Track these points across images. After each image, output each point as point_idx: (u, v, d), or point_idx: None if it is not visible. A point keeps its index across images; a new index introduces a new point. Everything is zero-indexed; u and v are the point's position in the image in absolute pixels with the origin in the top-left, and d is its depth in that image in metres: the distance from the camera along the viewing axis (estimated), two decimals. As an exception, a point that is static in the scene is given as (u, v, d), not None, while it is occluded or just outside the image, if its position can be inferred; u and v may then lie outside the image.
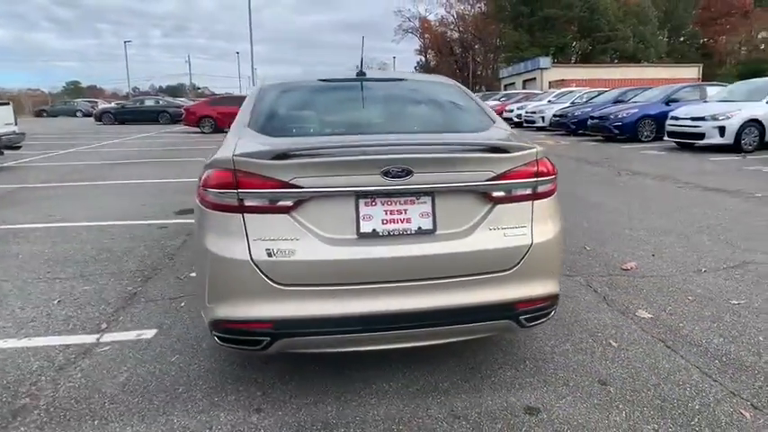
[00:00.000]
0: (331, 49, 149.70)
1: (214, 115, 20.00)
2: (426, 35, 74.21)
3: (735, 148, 9.84)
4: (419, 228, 2.08)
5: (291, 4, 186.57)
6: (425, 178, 2.03)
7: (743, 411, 2.18)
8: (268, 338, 2.04)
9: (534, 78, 43.13)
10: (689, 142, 10.54)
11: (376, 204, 2.05)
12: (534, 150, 2.16)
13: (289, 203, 2.00)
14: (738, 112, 9.71)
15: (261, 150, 2.01)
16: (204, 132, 20.05)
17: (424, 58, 75.81)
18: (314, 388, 2.42)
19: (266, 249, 1.99)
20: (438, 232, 2.09)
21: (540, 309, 2.23)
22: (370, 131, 2.50)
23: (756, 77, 12.31)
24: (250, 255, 1.99)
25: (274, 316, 2.01)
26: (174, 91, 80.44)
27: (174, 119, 28.24)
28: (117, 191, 7.77)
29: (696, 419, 2.14)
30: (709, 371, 2.51)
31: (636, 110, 12.81)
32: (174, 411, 2.26)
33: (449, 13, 70.74)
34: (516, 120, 20.57)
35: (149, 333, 3.02)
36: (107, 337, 2.99)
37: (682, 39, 58.18)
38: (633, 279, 3.76)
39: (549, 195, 2.25)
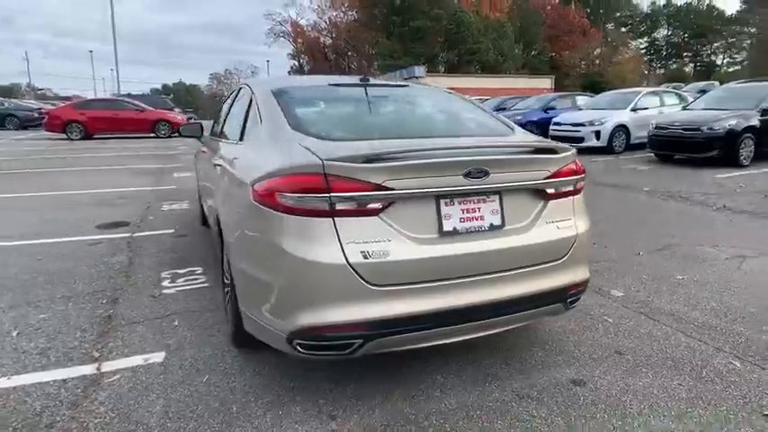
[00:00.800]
0: (195, 52, 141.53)
1: (83, 120, 17.98)
2: (299, 40, 73.87)
3: (608, 149, 11.38)
4: (491, 224, 2.23)
5: (148, 2, 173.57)
6: (496, 178, 2.19)
7: (733, 362, 2.66)
8: (360, 341, 2.04)
9: (410, 86, 45.08)
10: (571, 145, 11.97)
11: (454, 204, 2.16)
12: (572, 152, 2.43)
13: (379, 206, 2.03)
14: (610, 119, 11.28)
15: (353, 154, 2.00)
16: (72, 139, 17.92)
17: (297, 63, 75.34)
18: (374, 389, 2.44)
19: (361, 252, 1.99)
20: (506, 228, 2.25)
21: (580, 292, 2.51)
22: (423, 135, 2.57)
23: (594, 88, 14.32)
24: (346, 258, 1.98)
25: (368, 318, 2.02)
26: (7, 92, 70.27)
27: (25, 124, 24.86)
28: (10, 205, 6.74)
29: (704, 372, 2.57)
30: (690, 334, 2.99)
31: (520, 117, 14.16)
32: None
33: (321, 18, 71.24)
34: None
35: (158, 356, 2.77)
36: (109, 366, 2.68)
37: (534, 53, 64.86)
38: (591, 265, 4.25)
39: (582, 191, 2.54)
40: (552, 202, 2.36)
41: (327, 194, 1.97)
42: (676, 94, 12.83)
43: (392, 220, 2.05)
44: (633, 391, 2.41)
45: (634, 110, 11.59)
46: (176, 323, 3.17)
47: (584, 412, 2.25)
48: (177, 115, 20.21)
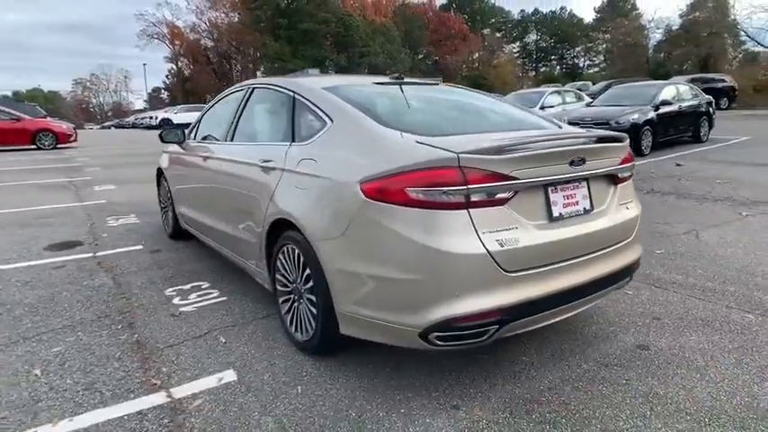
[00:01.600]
0: (53, 55, 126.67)
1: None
2: (177, 42, 69.77)
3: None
4: (584, 208, 2.41)
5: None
6: (588, 165, 2.37)
7: (746, 315, 3.12)
8: (496, 327, 2.11)
9: (305, 89, 44.80)
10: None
11: (557, 191, 2.31)
12: (628, 141, 2.70)
13: (507, 195, 2.11)
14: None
15: (485, 147, 2.07)
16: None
17: (175, 67, 71.20)
18: (475, 379, 2.51)
19: (497, 240, 2.06)
20: (594, 211, 2.45)
21: (637, 266, 2.78)
22: (496, 129, 2.67)
23: (477, 89, 15.68)
24: (485, 247, 2.04)
25: (503, 303, 2.09)
26: None
27: None
28: None
29: (729, 326, 2.98)
30: (699, 297, 3.43)
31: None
32: (381, 432, 2.11)
33: (200, 20, 67.82)
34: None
35: (229, 375, 2.59)
36: (181, 392, 2.45)
37: (420, 56, 67.59)
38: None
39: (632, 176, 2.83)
40: (620, 186, 2.61)
41: (464, 186, 2.02)
42: (574, 92, 14.28)
43: (515, 208, 2.15)
44: (690, 349, 2.73)
45: (542, 107, 12.67)
46: (223, 340, 2.97)
47: (664, 371, 2.52)
48: (62, 124, 18.16)
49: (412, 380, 2.49)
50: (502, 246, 2.07)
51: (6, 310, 3.47)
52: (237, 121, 3.59)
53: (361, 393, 2.40)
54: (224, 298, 3.59)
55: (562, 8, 68.69)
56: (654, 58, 31.23)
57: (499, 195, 2.10)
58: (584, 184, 2.42)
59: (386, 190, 2.11)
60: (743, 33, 26.05)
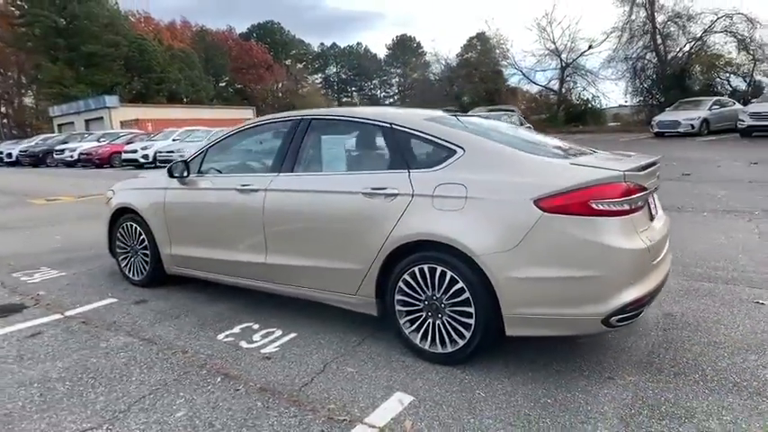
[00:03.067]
0: None
1: None
2: None
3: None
4: (657, 212, 3.18)
5: None
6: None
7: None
8: (645, 306, 2.71)
9: (101, 117, 39.99)
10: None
11: (648, 198, 3.03)
12: None
13: (642, 203, 2.75)
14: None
15: (636, 165, 2.67)
16: None
17: None
18: (598, 357, 3.07)
19: (646, 237, 2.68)
20: (657, 215, 3.24)
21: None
22: (546, 154, 3.16)
23: None
24: (645, 243, 2.63)
25: (650, 288, 2.70)
26: None
27: None
28: None
29: (751, 304, 3.99)
30: (720, 279, 4.42)
31: None
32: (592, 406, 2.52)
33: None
34: (144, 160, 19.40)
35: (402, 396, 2.68)
36: (380, 419, 2.48)
37: (223, 84, 65.80)
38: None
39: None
40: (655, 196, 3.47)
41: (629, 197, 2.60)
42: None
43: (644, 212, 2.80)
44: (709, 312, 3.68)
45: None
46: (351, 369, 2.97)
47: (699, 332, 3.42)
48: None
49: (559, 368, 2.92)
50: (650, 241, 2.69)
51: (44, 389, 2.83)
52: (297, 152, 3.55)
53: (528, 385, 2.74)
54: (293, 334, 3.48)
55: (358, 43, 74.39)
56: (452, 91, 36.23)
57: (641, 203, 2.73)
58: (654, 193, 3.21)
59: (566, 204, 2.56)
60: (519, 72, 32.14)
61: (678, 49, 25.00)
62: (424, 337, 3.01)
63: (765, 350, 3.01)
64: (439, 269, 2.87)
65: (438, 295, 2.92)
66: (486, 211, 2.75)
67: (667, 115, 18.82)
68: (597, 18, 71.10)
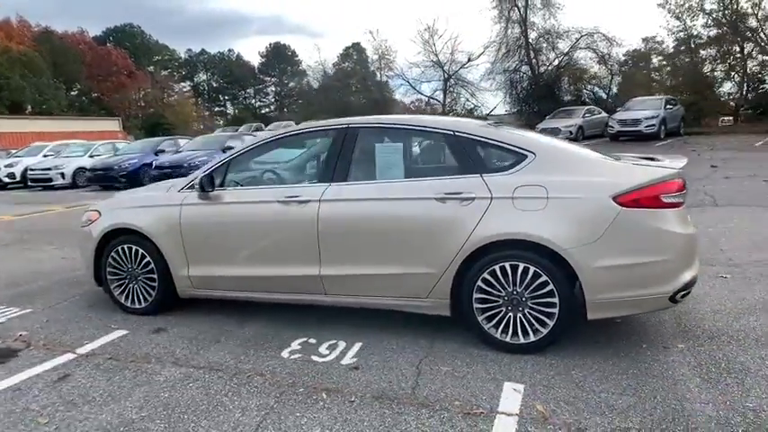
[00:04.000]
0: None
1: None
2: None
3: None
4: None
5: None
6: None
7: None
8: (695, 283, 3.22)
9: None
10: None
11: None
12: None
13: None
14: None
15: (681, 165, 3.15)
16: None
17: None
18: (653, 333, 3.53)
19: (693, 225, 3.19)
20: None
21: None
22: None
23: (156, 129, 17.28)
24: (694, 230, 3.14)
25: (698, 267, 3.22)
26: None
27: None
28: None
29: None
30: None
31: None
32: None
33: None
34: (9, 180, 16.86)
35: (516, 386, 2.88)
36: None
37: (75, 92, 59.12)
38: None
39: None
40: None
41: (683, 191, 3.08)
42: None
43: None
44: (729, 290, 4.38)
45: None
46: (445, 368, 3.09)
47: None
48: None
49: (619, 344, 3.32)
50: (695, 228, 3.21)
51: (129, 433, 2.53)
52: (349, 161, 3.55)
53: (609, 361, 3.10)
54: (359, 344, 3.46)
55: (230, 50, 71.55)
56: (328, 101, 36.57)
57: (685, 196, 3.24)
58: None
59: (641, 199, 2.96)
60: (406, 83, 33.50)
61: (549, 63, 28.25)
62: (505, 330, 3.22)
63: (754, 312, 3.71)
64: (522, 265, 3.11)
65: (519, 290, 3.15)
66: (569, 210, 3.05)
67: (548, 123, 21.14)
68: (477, 32, 77.73)
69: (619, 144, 18.90)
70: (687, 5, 22.87)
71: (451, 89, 31.98)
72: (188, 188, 3.97)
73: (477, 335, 3.31)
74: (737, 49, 22.64)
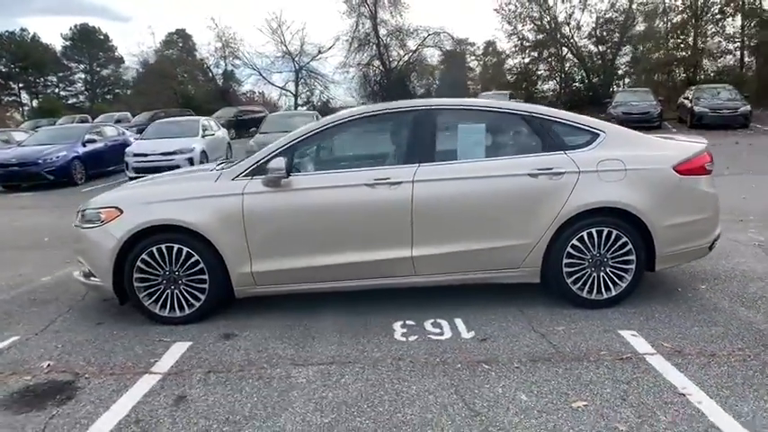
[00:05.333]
0: None
1: None
2: None
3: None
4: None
5: None
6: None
7: None
8: (719, 235, 4.00)
9: None
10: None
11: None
12: None
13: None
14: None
15: (705, 142, 3.87)
16: None
17: None
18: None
19: (714, 186, 3.96)
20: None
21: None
22: None
23: None
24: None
25: (718, 226, 4.01)
26: None
27: None
28: None
29: None
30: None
31: (64, 152, 12.07)
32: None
33: None
34: None
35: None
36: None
37: None
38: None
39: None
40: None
41: (711, 161, 3.81)
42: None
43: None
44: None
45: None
46: (560, 328, 3.38)
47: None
48: None
49: (667, 283, 3.97)
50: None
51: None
52: (433, 141, 3.59)
53: (681, 308, 3.72)
54: (459, 319, 3.55)
55: (23, 29, 60.35)
56: (182, 90, 33.55)
57: (709, 166, 3.98)
58: None
59: (691, 168, 3.59)
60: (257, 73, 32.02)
61: (400, 59, 29.73)
62: (590, 289, 3.62)
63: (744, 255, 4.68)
64: (606, 230, 3.55)
65: (602, 252, 3.58)
66: (642, 179, 3.56)
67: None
68: (329, 25, 77.14)
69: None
70: (517, 12, 26.31)
71: (304, 81, 31.81)
72: (245, 175, 3.58)
73: (565, 296, 3.65)
74: (555, 51, 26.80)
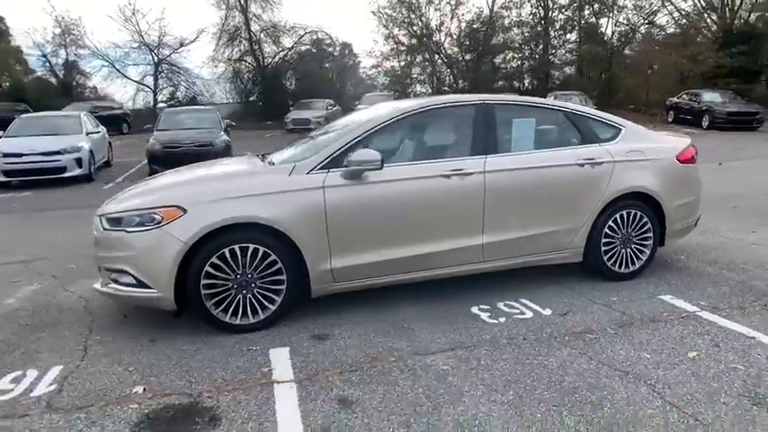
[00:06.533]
0: None
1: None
2: None
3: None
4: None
5: None
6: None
7: None
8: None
9: None
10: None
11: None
12: None
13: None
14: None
15: (689, 139, 4.66)
16: None
17: None
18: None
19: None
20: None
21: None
22: None
23: None
24: (693, 177, 4.74)
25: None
26: None
27: None
28: None
29: None
30: None
31: None
32: None
33: None
34: None
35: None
36: None
37: None
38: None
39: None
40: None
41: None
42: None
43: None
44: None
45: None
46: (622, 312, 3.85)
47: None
48: None
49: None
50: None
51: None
52: (495, 134, 3.80)
53: (676, 284, 4.44)
54: (523, 299, 3.83)
55: None
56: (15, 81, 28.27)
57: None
58: None
59: (687, 158, 4.33)
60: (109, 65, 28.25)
61: (275, 56, 28.72)
62: (619, 264, 4.16)
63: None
64: (633, 211, 4.12)
65: (630, 231, 4.15)
66: (657, 167, 4.20)
67: (298, 114, 21.96)
68: (194, 15, 69.21)
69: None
70: (393, 16, 27.31)
71: (166, 75, 29.25)
72: (320, 169, 3.43)
73: (600, 272, 4.13)
74: (428, 57, 28.43)
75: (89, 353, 3.12)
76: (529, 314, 3.58)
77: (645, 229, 4.17)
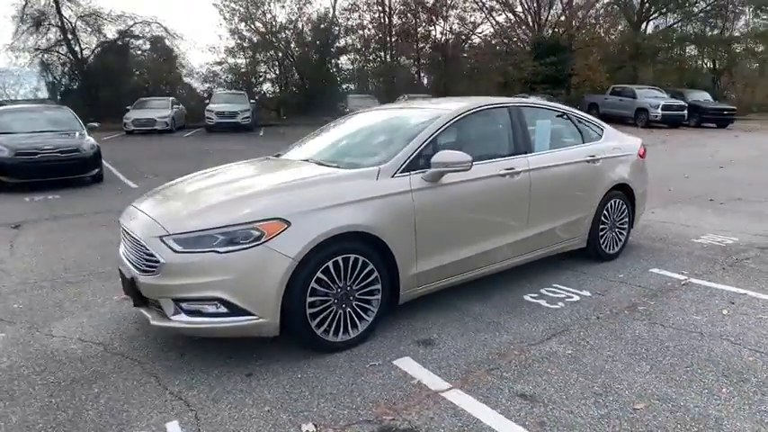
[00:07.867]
0: None
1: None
2: None
3: None
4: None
5: None
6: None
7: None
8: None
9: None
10: None
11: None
12: None
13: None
14: None
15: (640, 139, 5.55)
16: None
17: None
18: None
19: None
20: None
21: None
22: None
23: None
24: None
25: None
26: None
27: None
28: None
29: None
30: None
31: None
32: None
33: None
34: None
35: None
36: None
37: None
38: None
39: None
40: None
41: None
42: None
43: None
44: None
45: None
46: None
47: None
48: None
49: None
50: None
51: (673, 374, 2.85)
52: (527, 134, 4.11)
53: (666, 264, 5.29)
54: (554, 284, 4.23)
55: None
56: None
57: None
58: None
59: (642, 153, 5.19)
60: None
61: (97, 46, 24.79)
62: (610, 247, 4.84)
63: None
64: (618, 200, 4.83)
65: (615, 217, 4.85)
66: (630, 161, 4.97)
67: (139, 114, 19.47)
68: None
69: (217, 135, 19.90)
70: (235, 9, 25.77)
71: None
72: (402, 172, 3.35)
73: (597, 254, 4.74)
74: (273, 54, 27.53)
75: (197, 407, 2.59)
76: (576, 297, 3.97)
77: (624, 214, 4.91)
